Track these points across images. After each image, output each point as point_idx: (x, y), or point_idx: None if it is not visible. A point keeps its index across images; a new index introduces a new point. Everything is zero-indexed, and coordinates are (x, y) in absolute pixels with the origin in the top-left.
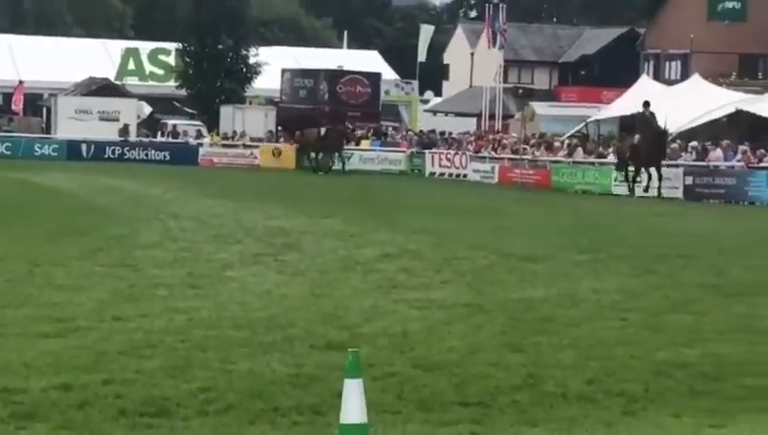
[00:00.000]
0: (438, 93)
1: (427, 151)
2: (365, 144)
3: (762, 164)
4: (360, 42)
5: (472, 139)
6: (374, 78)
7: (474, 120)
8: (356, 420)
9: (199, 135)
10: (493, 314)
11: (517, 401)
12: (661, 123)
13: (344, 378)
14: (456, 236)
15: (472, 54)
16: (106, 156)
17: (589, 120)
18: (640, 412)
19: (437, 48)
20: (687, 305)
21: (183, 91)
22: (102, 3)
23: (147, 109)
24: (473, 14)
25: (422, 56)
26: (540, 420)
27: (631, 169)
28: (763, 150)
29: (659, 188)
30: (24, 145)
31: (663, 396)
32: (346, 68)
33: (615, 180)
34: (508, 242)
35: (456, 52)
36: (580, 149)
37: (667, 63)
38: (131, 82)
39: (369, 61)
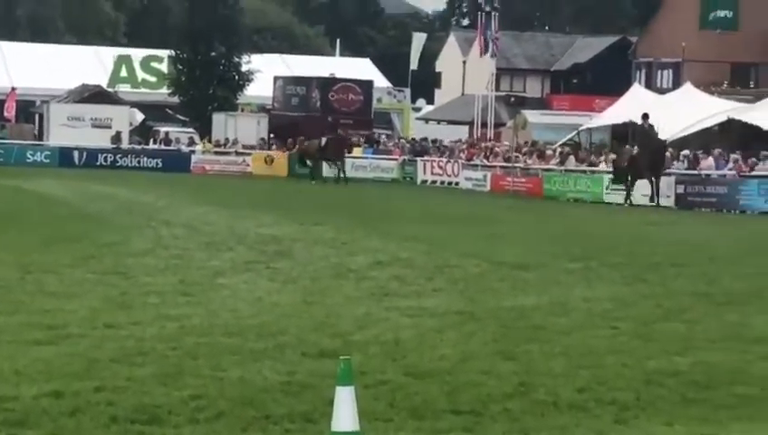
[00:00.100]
0: (431, 101)
1: (419, 159)
2: (357, 152)
3: (753, 173)
4: (352, 50)
5: (464, 147)
6: (366, 86)
7: (466, 128)
8: (348, 428)
9: (192, 142)
10: (484, 321)
11: (509, 410)
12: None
13: (336, 386)
14: (448, 244)
15: (464, 62)
16: (98, 163)
17: (581, 128)
18: (632, 421)
19: (430, 56)
20: (679, 314)
21: (175, 99)
22: (95, 10)
23: (139, 116)
24: (465, 22)
25: (414, 64)
26: (531, 428)
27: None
28: (754, 159)
29: (655, 196)
30: (17, 152)
31: (654, 404)
32: (338, 76)
33: (607, 189)
34: (500, 250)
35: (449, 60)
36: (572, 158)
37: (659, 72)
38: (124, 89)
39: (361, 68)
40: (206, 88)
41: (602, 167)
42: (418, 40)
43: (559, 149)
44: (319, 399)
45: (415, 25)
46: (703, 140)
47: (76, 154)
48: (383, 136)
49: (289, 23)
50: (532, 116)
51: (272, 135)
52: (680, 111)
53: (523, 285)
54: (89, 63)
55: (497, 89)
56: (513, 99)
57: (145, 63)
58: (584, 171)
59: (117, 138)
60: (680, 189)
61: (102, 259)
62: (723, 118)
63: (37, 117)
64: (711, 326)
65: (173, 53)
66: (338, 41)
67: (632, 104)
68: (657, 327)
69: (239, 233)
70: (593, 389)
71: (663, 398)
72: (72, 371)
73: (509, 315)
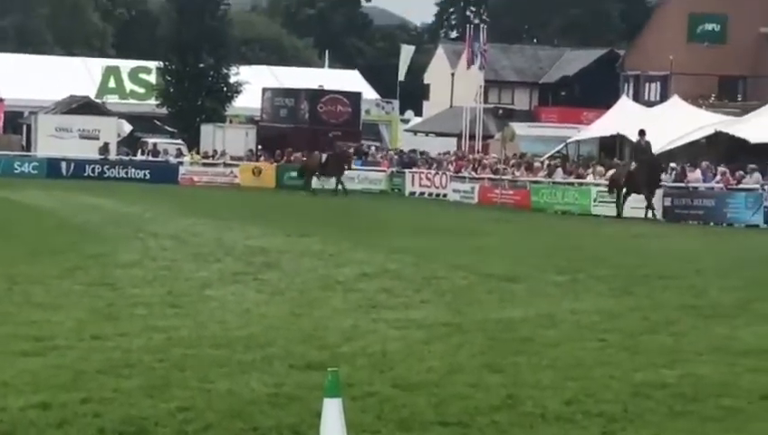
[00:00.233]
0: (419, 113)
1: (407, 171)
2: None
3: (740, 186)
4: (341, 61)
5: (452, 159)
6: (355, 97)
7: (454, 140)
8: None
9: (179, 154)
10: (472, 334)
11: (496, 422)
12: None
13: (324, 398)
14: (436, 256)
15: (452, 74)
16: (86, 174)
17: (569, 140)
18: (619, 433)
19: (418, 68)
20: (666, 326)
21: (164, 110)
22: (83, 21)
23: (127, 127)
24: (454, 34)
25: (402, 76)
26: None
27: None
28: (741, 172)
29: (649, 210)
30: (4, 163)
31: (642, 417)
32: (327, 87)
33: (595, 201)
34: (487, 262)
35: (437, 72)
36: (559, 170)
37: (647, 85)
38: (112, 100)
39: (349, 80)
40: (194, 99)
41: (590, 179)
42: (406, 52)
43: (547, 162)
44: (306, 411)
45: (403, 37)
46: (690, 153)
47: (64, 165)
48: (372, 148)
49: (278, 34)
50: (520, 128)
51: (260, 147)
52: (668, 123)
53: (511, 298)
54: (77, 74)
55: (485, 101)
56: (501, 111)
57: (133, 75)
58: (572, 184)
59: (105, 149)
60: (667, 202)
61: (89, 270)
62: (710, 131)
63: (25, 128)
64: (698, 339)
65: (161, 64)
66: (326, 52)
67: (620, 117)
68: (645, 339)
69: (227, 244)
70: (581, 401)
71: (650, 410)
72: (59, 382)
73: (496, 327)
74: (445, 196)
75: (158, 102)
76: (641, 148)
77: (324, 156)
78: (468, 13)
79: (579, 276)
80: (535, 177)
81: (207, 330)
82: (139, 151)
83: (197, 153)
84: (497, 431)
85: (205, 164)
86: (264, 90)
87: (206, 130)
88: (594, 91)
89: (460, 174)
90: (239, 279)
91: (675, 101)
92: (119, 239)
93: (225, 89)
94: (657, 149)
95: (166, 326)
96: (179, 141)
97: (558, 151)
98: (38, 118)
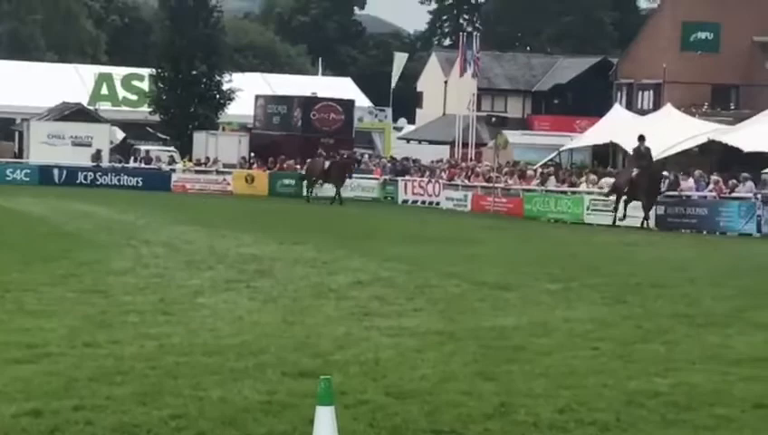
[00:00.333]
0: (412, 121)
1: (400, 179)
2: None
3: (733, 194)
4: (334, 69)
5: (445, 166)
6: (348, 105)
7: (447, 147)
8: None
9: (172, 161)
10: (465, 342)
11: (489, 430)
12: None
13: (316, 405)
14: (429, 264)
15: (445, 82)
16: (78, 181)
17: (561, 148)
18: None
19: (411, 76)
20: (659, 335)
21: (156, 117)
22: (76, 28)
23: (120, 134)
24: (447, 42)
25: (395, 83)
26: None
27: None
28: (734, 181)
29: (646, 220)
30: None
31: (635, 425)
32: (320, 95)
33: (588, 209)
34: (480, 270)
35: (430, 79)
36: (552, 178)
37: (640, 93)
38: (104, 107)
39: (342, 88)
40: (186, 106)
41: (583, 187)
42: (399, 59)
43: (540, 170)
44: (299, 418)
45: (396, 45)
46: (683, 162)
47: (56, 172)
48: (365, 155)
49: (271, 42)
50: (513, 136)
51: (252, 154)
52: (661, 132)
53: (504, 306)
54: (69, 81)
55: (478, 109)
56: (494, 119)
57: (126, 82)
58: (565, 192)
59: (97, 156)
60: (660, 211)
61: (82, 278)
62: (703, 139)
63: (17, 135)
64: (691, 347)
65: (154, 71)
66: (320, 60)
67: (613, 125)
68: (638, 348)
69: (219, 252)
70: (574, 409)
71: (643, 419)
72: (52, 389)
73: (489, 336)
74: (438, 204)
75: (150, 109)
76: (641, 153)
77: (327, 163)
78: (461, 21)
79: (572, 285)
80: (528, 185)
81: (200, 337)
82: (132, 158)
83: (190, 160)
84: None
85: (197, 171)
86: (257, 97)
87: (199, 138)
88: (587, 100)
89: (453, 182)
90: (232, 287)
91: (668, 110)
92: (111, 247)
93: (217, 96)
94: None
95: (158, 334)
96: (172, 149)
97: (551, 159)
98: (30, 124)
